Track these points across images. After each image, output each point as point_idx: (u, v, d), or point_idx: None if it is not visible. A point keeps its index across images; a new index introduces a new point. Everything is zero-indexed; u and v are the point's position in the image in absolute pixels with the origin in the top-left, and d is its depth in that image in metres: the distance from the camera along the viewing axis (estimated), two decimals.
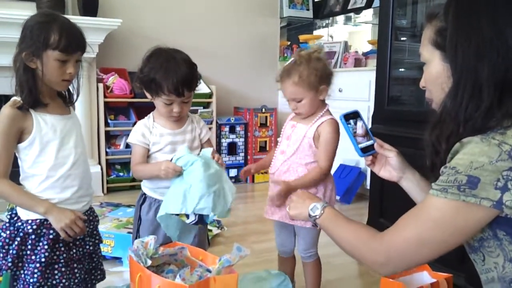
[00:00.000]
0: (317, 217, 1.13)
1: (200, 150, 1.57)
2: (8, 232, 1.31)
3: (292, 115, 1.74)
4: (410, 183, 1.24)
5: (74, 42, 1.28)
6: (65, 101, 1.40)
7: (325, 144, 1.62)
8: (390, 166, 1.24)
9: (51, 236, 1.31)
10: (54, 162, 1.31)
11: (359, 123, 1.23)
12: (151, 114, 1.62)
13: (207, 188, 1.39)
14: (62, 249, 1.33)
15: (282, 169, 1.68)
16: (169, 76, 1.46)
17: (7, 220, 1.34)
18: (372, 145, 1.23)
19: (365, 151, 1.23)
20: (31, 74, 1.27)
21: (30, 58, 1.26)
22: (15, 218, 1.32)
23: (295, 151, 1.66)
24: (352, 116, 1.23)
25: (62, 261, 1.33)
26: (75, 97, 1.42)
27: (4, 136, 1.27)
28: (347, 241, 1.06)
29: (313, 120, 1.64)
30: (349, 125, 1.22)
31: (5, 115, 1.27)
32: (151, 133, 1.57)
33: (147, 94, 1.56)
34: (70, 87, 1.39)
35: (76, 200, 1.36)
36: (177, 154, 1.47)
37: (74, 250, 1.36)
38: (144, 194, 1.67)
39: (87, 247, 1.42)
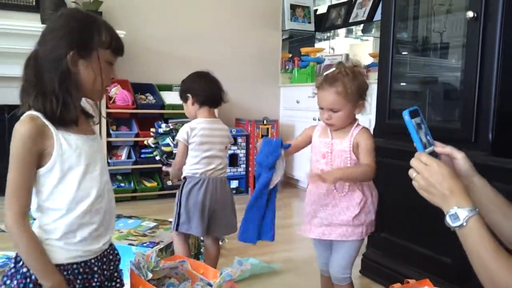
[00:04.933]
0: (457, 228, 0.95)
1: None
2: (15, 282, 1.04)
3: (318, 130, 1.68)
4: (479, 195, 1.05)
5: (122, 42, 1.10)
6: (89, 118, 1.17)
7: (366, 149, 1.57)
8: (456, 171, 1.06)
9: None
10: (74, 194, 1.06)
11: (422, 123, 1.06)
12: None
13: None
14: None
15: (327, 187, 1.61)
16: None
17: (12, 265, 1.07)
18: (434, 150, 1.07)
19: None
20: (71, 81, 1.03)
21: (76, 60, 1.03)
22: (20, 263, 1.05)
23: (341, 164, 1.59)
24: (414, 114, 1.06)
25: None
26: (97, 113, 1.18)
27: (23, 163, 1.00)
28: (489, 276, 0.91)
29: (348, 134, 1.59)
30: (414, 124, 1.04)
31: (23, 135, 1.00)
32: None
33: None
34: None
35: (92, 241, 1.10)
36: None
37: None
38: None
39: None
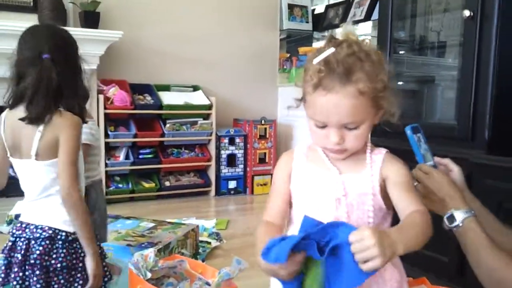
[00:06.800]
0: (454, 229, 1.01)
1: None
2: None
3: (299, 156, 0.99)
4: None
5: None
6: None
7: (407, 185, 0.93)
8: None
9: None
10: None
11: (422, 138, 1.12)
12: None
13: None
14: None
15: None
16: None
17: (48, 242, 1.21)
18: (435, 165, 1.13)
19: None
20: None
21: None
22: (63, 235, 1.22)
23: (362, 218, 0.92)
24: (415, 130, 1.12)
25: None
26: None
27: (79, 148, 1.25)
28: (487, 270, 0.96)
29: (364, 162, 0.94)
30: (416, 140, 1.11)
31: (79, 124, 1.25)
32: None
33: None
34: None
35: None
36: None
37: None
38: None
39: None
